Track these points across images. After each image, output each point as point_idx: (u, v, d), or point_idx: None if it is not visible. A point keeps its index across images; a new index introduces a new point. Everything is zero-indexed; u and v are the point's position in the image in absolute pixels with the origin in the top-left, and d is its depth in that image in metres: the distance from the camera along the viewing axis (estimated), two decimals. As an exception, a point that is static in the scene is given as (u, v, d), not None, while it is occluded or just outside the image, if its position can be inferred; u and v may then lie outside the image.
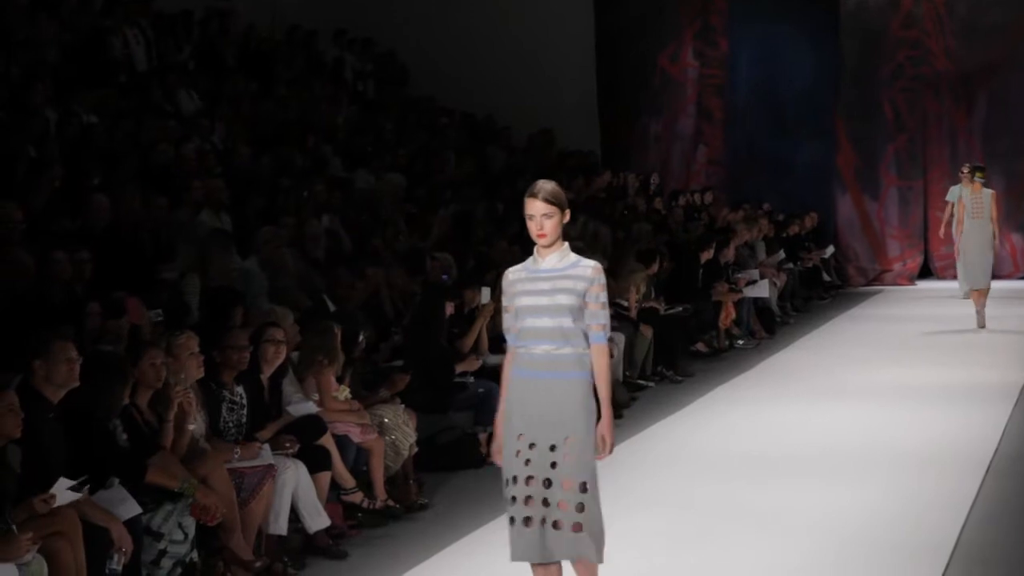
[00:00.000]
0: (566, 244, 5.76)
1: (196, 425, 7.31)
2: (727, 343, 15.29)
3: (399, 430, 8.60)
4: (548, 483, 5.56)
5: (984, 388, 12.22)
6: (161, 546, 6.58)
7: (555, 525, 5.56)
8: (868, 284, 21.62)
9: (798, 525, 7.89)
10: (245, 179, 12.60)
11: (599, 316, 5.69)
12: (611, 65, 22.10)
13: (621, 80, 22.09)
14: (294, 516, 7.55)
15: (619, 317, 12.88)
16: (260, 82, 16.35)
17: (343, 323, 8.90)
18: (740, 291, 15.64)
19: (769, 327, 16.38)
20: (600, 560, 5.66)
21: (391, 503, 8.32)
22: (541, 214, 5.67)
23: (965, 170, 17.60)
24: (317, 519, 7.59)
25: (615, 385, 11.75)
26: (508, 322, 5.81)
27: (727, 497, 8.57)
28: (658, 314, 13.52)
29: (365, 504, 8.16)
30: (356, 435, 8.26)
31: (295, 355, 8.38)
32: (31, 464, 6.14)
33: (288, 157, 13.73)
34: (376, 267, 10.70)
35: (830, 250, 20.77)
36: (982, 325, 16.26)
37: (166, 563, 6.59)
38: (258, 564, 7.07)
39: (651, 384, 12.90)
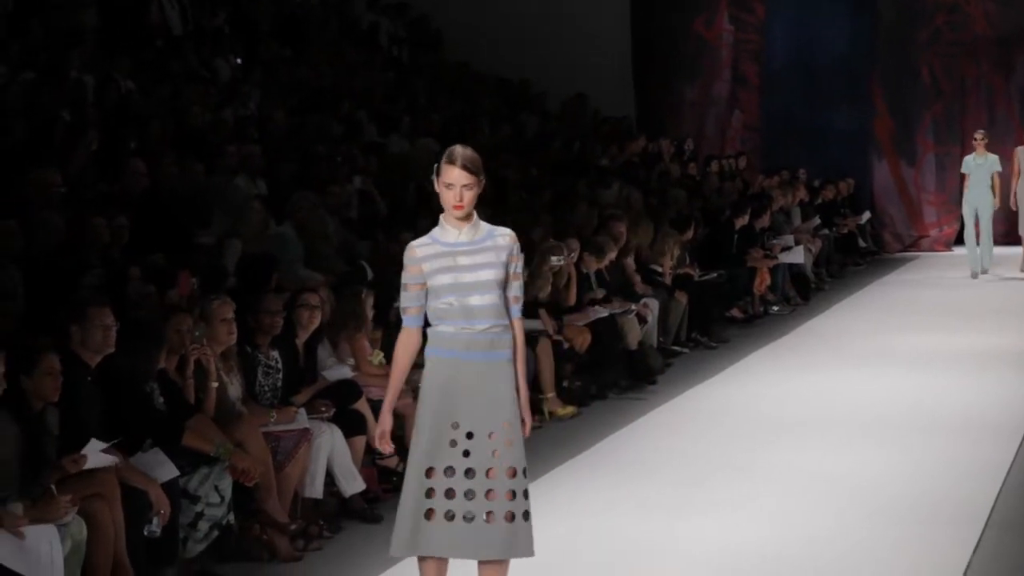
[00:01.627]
0: (474, 212, 5.32)
1: (233, 387, 7.36)
2: (762, 309, 15.24)
3: None
4: (489, 473, 5.17)
5: (1020, 354, 12.14)
6: (198, 509, 6.60)
7: (488, 518, 5.15)
8: (904, 250, 21.49)
9: (833, 490, 7.88)
10: (280, 144, 12.62)
11: (515, 288, 5.33)
12: (646, 30, 21.97)
13: (656, 45, 21.95)
14: (329, 480, 7.58)
15: (653, 283, 12.87)
16: (294, 47, 16.34)
17: (380, 289, 8.91)
18: (775, 257, 15.57)
19: (804, 293, 16.33)
20: (533, 552, 5.26)
21: (426, 467, 8.33)
22: (462, 184, 5.22)
23: (979, 137, 17.55)
24: (352, 483, 7.62)
25: (649, 351, 11.79)
26: (410, 301, 5.32)
27: (761, 462, 8.57)
28: (692, 280, 13.49)
29: (400, 468, 8.17)
30: (391, 400, 8.27)
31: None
32: (68, 427, 6.19)
33: (323, 122, 13.73)
34: (411, 232, 10.67)
35: (866, 216, 20.66)
36: None
37: (203, 525, 6.62)
38: (294, 527, 7.12)
39: (686, 350, 12.89)
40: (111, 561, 6.00)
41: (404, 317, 5.40)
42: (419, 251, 5.31)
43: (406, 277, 5.32)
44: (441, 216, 5.35)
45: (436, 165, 5.29)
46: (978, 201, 17.48)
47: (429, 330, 5.34)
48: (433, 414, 5.27)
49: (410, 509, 5.22)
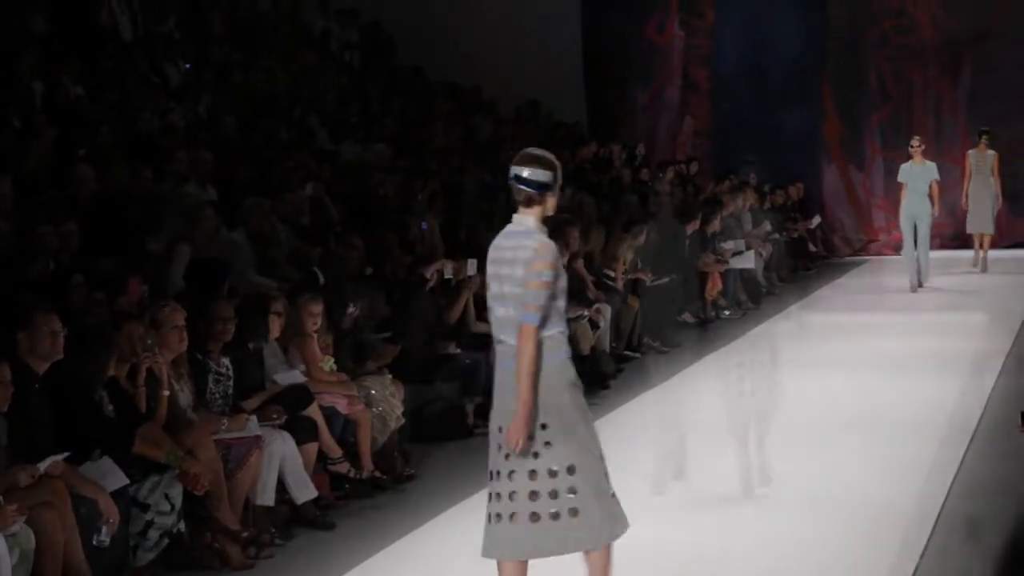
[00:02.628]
0: None
1: (183, 395, 7.31)
2: (713, 313, 15.29)
3: (386, 401, 8.59)
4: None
5: (968, 356, 12.23)
6: (148, 517, 6.57)
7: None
8: (854, 254, 21.63)
9: (783, 493, 7.89)
10: (232, 150, 12.54)
11: None
12: (597, 36, 22.02)
13: (607, 51, 22.02)
14: (281, 487, 7.53)
15: (606, 288, 12.88)
16: (246, 53, 16.25)
17: (332, 295, 8.89)
18: (726, 262, 15.63)
19: (755, 297, 16.39)
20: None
21: (378, 474, 8.32)
22: None
23: (915, 144, 17.36)
24: (304, 490, 7.59)
25: (602, 356, 11.80)
26: (546, 300, 5.26)
27: (713, 465, 8.57)
28: (645, 285, 13.52)
29: (352, 474, 8.16)
30: (343, 406, 8.25)
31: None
32: (17, 436, 6.15)
33: (275, 128, 13.66)
34: (361, 238, 10.65)
35: (816, 220, 20.77)
36: (984, 269, 17.57)
37: (153, 534, 6.59)
38: (245, 534, 7.07)
39: (638, 355, 12.91)
40: (59, 570, 5.96)
41: (537, 317, 5.25)
42: (554, 247, 5.35)
43: (551, 275, 5.24)
44: (536, 221, 5.38)
45: (554, 174, 5.33)
46: (916, 211, 17.09)
47: (548, 334, 5.29)
48: (586, 417, 5.32)
49: (605, 502, 5.27)
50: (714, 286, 15.32)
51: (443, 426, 9.58)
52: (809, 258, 20.25)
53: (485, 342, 10.15)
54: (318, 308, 8.36)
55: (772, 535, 7.14)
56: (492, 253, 5.44)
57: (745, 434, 9.44)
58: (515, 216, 5.41)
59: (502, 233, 5.44)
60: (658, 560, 6.77)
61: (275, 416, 7.64)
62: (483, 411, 10.00)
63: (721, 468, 8.51)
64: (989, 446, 9.01)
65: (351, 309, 9.12)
